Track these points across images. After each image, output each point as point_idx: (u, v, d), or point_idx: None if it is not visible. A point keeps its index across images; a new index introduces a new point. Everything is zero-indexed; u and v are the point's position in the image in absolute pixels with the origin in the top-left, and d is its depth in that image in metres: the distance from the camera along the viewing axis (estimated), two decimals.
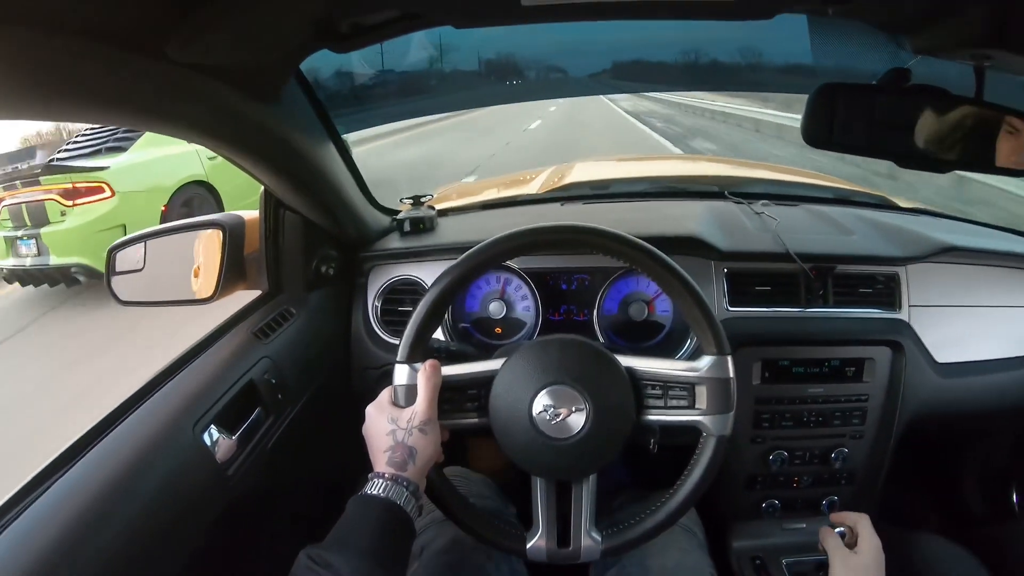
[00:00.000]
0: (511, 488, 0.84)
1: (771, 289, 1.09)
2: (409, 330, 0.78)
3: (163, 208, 4.59)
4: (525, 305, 1.15)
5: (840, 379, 1.07)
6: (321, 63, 0.89)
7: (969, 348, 1.11)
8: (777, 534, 1.13)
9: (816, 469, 1.11)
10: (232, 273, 1.06)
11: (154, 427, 0.77)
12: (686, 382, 0.77)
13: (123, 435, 0.75)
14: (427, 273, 1.16)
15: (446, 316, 1.13)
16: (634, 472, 1.34)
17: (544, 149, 9.28)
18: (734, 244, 1.10)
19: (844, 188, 1.64)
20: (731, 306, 1.08)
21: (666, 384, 0.77)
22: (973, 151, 0.78)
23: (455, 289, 0.80)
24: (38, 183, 4.37)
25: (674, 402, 0.77)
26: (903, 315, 1.09)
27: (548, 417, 0.74)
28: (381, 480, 0.69)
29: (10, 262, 4.50)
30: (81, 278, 4.28)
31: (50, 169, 4.42)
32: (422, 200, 1.28)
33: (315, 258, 1.12)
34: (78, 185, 4.31)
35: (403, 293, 1.18)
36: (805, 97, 0.81)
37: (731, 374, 0.76)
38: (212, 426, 0.83)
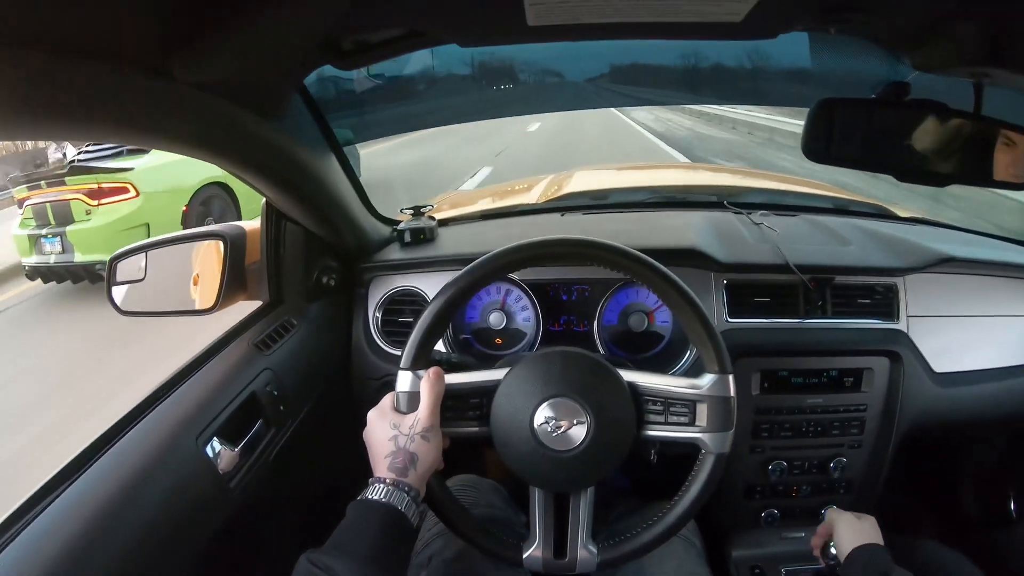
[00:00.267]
0: (523, 496, 0.84)
1: (770, 300, 1.10)
2: (413, 338, 0.78)
3: (184, 208, 4.71)
4: (525, 316, 1.15)
5: (839, 389, 1.08)
6: (324, 75, 0.89)
7: (966, 358, 1.12)
8: (776, 543, 1.13)
9: (815, 478, 1.11)
10: (233, 284, 1.06)
11: (157, 439, 0.77)
12: (687, 399, 0.77)
13: (126, 447, 0.75)
14: (428, 284, 1.16)
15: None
16: (633, 481, 1.34)
17: (544, 154, 9.29)
18: (733, 256, 1.11)
19: (842, 197, 1.65)
20: (731, 317, 1.09)
21: (667, 400, 0.78)
22: (971, 164, 0.79)
23: (460, 299, 0.81)
24: (63, 183, 4.51)
25: (674, 418, 0.77)
26: (901, 325, 1.10)
27: (549, 429, 0.75)
28: (382, 485, 0.69)
29: (33, 259, 4.62)
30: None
31: (76, 170, 4.56)
32: (422, 210, 1.29)
33: (316, 269, 1.12)
34: (104, 185, 4.47)
35: (404, 304, 1.18)
36: None
37: (732, 393, 0.77)
38: (214, 438, 0.83)
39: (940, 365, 1.10)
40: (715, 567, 0.95)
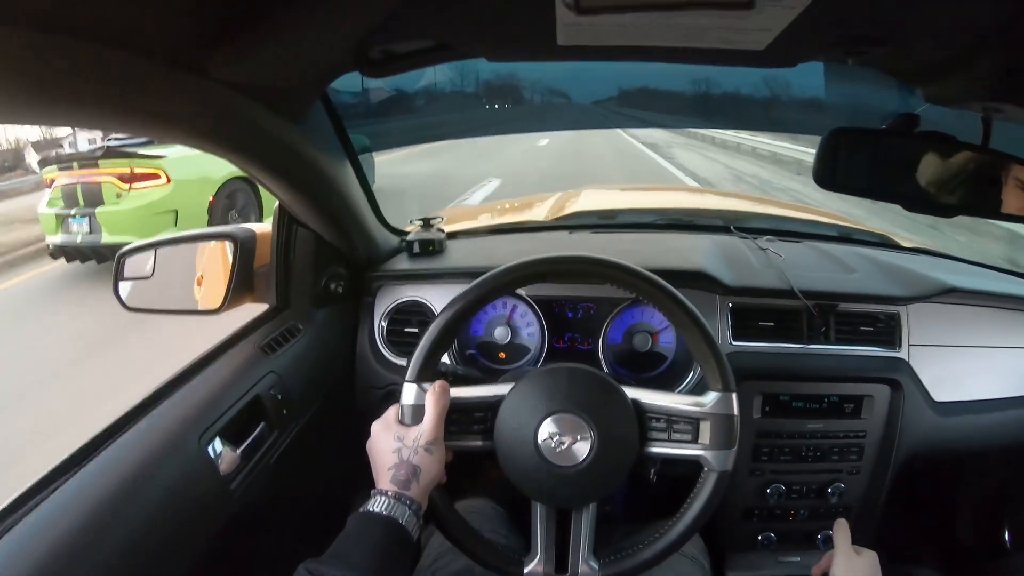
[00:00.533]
0: (522, 517, 0.84)
1: (774, 325, 1.10)
2: (419, 350, 0.78)
3: (211, 199, 4.80)
4: (530, 331, 1.15)
5: (839, 415, 1.08)
6: (344, 83, 0.90)
7: (966, 387, 1.12)
8: (772, 567, 1.13)
9: (813, 503, 1.11)
10: (241, 286, 1.06)
11: (159, 437, 0.77)
12: (691, 416, 0.77)
13: (128, 443, 0.75)
14: (434, 296, 1.17)
15: None
16: (631, 501, 1.33)
17: (552, 168, 9.35)
18: (739, 279, 1.11)
19: (847, 226, 1.66)
20: (735, 340, 1.09)
21: (671, 417, 0.78)
22: (978, 196, 0.80)
23: (468, 312, 0.81)
24: (96, 165, 4.66)
25: (678, 435, 0.78)
26: (903, 354, 1.10)
27: (553, 444, 0.75)
28: (384, 497, 0.69)
29: (59, 238, 4.72)
30: None
31: (110, 153, 4.70)
32: (432, 222, 1.29)
33: (324, 275, 1.13)
34: (136, 170, 4.60)
35: (410, 314, 1.18)
36: None
37: (735, 411, 0.77)
38: (217, 439, 0.83)
39: (940, 394, 1.11)
40: None
